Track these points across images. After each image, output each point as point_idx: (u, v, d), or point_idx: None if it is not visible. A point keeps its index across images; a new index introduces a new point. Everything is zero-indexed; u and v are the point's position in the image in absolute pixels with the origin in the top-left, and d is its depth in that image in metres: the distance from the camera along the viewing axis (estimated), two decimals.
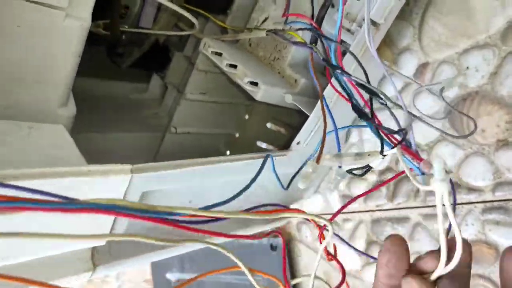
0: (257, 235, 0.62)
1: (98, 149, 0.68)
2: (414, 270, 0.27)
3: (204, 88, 0.69)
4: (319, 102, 0.52)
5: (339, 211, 0.42)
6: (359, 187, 0.73)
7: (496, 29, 0.58)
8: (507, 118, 0.57)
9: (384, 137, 0.41)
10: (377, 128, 0.40)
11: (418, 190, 0.65)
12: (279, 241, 0.85)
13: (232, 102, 0.76)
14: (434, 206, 0.47)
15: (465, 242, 0.25)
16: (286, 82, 0.60)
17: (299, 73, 0.59)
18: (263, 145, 0.69)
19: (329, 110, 0.44)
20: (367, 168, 0.43)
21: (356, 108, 0.43)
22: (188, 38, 0.78)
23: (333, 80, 0.48)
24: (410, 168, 0.39)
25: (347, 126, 0.67)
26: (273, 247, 0.86)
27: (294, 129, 0.73)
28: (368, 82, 0.44)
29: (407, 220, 0.67)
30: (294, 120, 0.74)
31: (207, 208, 0.30)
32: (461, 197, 0.61)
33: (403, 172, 0.38)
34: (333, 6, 0.55)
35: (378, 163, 0.41)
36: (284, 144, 0.63)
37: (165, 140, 0.71)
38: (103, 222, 0.39)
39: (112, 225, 0.40)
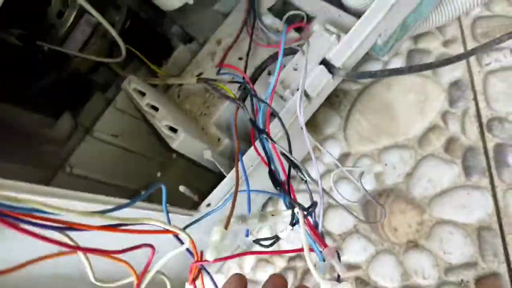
0: None
1: None
2: None
3: (117, 130, 0.62)
4: (245, 156, 0.48)
5: None
6: (266, 271, 0.66)
7: (414, 133, 0.61)
8: (418, 219, 0.57)
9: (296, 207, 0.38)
10: (288, 198, 0.37)
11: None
12: None
13: (146, 155, 0.68)
14: None
15: None
16: (209, 139, 0.55)
17: (224, 133, 0.55)
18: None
19: (243, 168, 0.40)
20: (275, 239, 0.39)
21: (271, 174, 0.40)
22: (113, 81, 0.72)
23: (257, 143, 0.45)
24: (310, 248, 0.35)
25: (259, 191, 0.63)
26: None
27: (206, 196, 0.67)
28: (291, 153, 0.41)
29: None
30: (209, 188, 0.68)
31: None
32: None
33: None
34: (269, 73, 0.54)
35: (286, 235, 0.37)
36: (191, 207, 0.56)
37: (55, 180, 0.60)
38: None
39: None
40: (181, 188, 0.69)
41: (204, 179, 0.68)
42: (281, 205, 0.68)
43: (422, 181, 0.58)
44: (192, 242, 0.34)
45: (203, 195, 0.66)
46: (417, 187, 0.58)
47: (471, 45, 0.60)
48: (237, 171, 0.42)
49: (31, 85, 0.68)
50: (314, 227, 0.39)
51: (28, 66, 0.66)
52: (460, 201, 0.55)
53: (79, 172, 0.61)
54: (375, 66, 0.66)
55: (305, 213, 0.35)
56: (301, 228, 0.32)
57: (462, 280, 0.53)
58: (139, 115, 0.63)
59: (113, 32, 0.50)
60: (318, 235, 0.39)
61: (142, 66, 0.71)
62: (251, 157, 0.47)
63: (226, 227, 0.36)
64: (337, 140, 0.66)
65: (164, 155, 0.73)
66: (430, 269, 0.54)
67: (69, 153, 0.63)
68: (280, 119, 0.44)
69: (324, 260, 0.38)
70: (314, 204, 0.35)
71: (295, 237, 0.64)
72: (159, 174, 0.72)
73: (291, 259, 0.65)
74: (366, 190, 0.51)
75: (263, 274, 0.66)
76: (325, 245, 0.39)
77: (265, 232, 0.67)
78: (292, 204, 0.36)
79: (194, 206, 0.58)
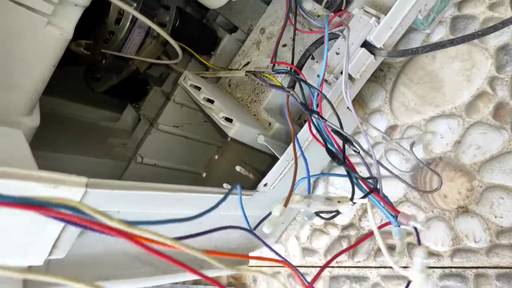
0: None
1: (60, 168, 0.65)
2: None
3: (178, 121, 0.69)
4: (290, 146, 0.53)
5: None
6: (320, 240, 0.71)
7: (461, 102, 0.61)
8: (468, 185, 0.59)
9: (360, 183, 0.41)
10: (349, 173, 0.40)
11: (378, 249, 0.65)
12: None
13: (204, 141, 0.75)
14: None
15: None
16: (260, 124, 0.60)
17: (274, 117, 0.60)
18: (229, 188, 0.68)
19: (302, 152, 0.44)
20: (335, 213, 0.43)
21: (330, 151, 0.43)
22: (168, 75, 0.79)
23: (308, 123, 0.49)
24: (386, 223, 0.39)
25: (318, 175, 0.67)
26: None
27: (263, 175, 0.73)
28: (342, 129, 0.45)
29: (366, 279, 0.65)
30: (263, 167, 0.74)
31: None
32: None
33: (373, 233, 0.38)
34: (312, 58, 0.57)
35: (348, 209, 0.40)
36: (251, 186, 0.62)
37: (129, 169, 0.68)
38: (43, 240, 0.35)
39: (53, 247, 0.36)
40: (238, 168, 0.76)
41: (259, 159, 0.74)
42: (321, 188, 0.72)
43: (471, 149, 0.59)
44: None
45: (260, 173, 0.72)
46: (466, 155, 0.60)
47: None
48: (295, 151, 0.46)
49: (98, 86, 0.76)
50: (383, 198, 0.42)
51: (95, 70, 0.73)
52: (510, 165, 0.56)
53: (149, 161, 0.69)
54: (418, 37, 0.66)
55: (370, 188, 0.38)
56: (369, 214, 0.35)
57: None
58: (195, 106, 0.69)
59: (166, 36, 0.55)
60: (388, 203, 0.42)
61: (192, 57, 0.77)
62: (302, 137, 0.52)
63: (285, 205, 0.41)
64: (383, 113, 0.68)
65: (220, 139, 0.79)
66: (481, 232, 0.57)
67: (138, 144, 0.71)
68: (329, 101, 0.47)
69: (399, 226, 0.41)
70: (373, 178, 0.38)
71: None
72: (216, 157, 0.79)
73: (344, 228, 0.69)
74: (419, 159, 0.53)
75: (318, 243, 0.72)
76: (397, 211, 0.42)
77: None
78: (353, 177, 0.39)
79: (253, 184, 0.64)
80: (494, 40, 0.60)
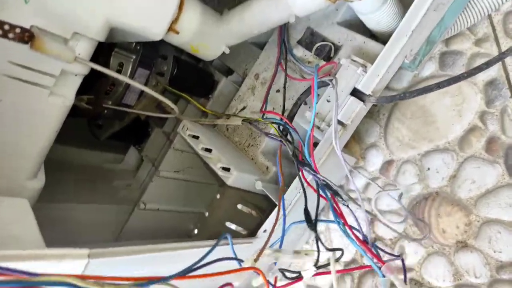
0: None
1: (67, 218, 0.67)
2: None
3: (179, 166, 0.71)
4: (287, 192, 0.54)
5: None
6: (323, 276, 0.72)
7: (454, 136, 0.63)
8: (466, 220, 0.60)
9: (348, 231, 0.43)
10: (318, 239, 0.42)
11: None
12: None
13: (205, 182, 0.76)
14: None
15: None
16: (258, 168, 0.62)
17: (271, 160, 0.61)
18: (232, 226, 0.69)
19: (284, 210, 0.46)
20: (297, 275, 0.44)
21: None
22: (168, 117, 0.81)
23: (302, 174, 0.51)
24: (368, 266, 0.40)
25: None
26: None
27: (265, 212, 0.74)
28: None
29: None
30: (265, 204, 0.75)
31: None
32: None
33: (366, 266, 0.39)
34: (305, 103, 0.59)
35: (310, 275, 0.42)
36: (253, 228, 0.63)
37: (133, 215, 0.70)
38: None
39: None
40: (239, 206, 0.77)
41: (261, 196, 0.75)
42: (322, 224, 0.73)
43: (466, 183, 0.60)
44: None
45: (261, 211, 0.73)
46: (462, 189, 0.61)
47: (504, 41, 0.61)
48: (278, 209, 0.48)
49: (101, 133, 0.79)
50: (364, 243, 0.44)
51: (97, 120, 0.76)
52: (506, 200, 0.57)
53: (152, 206, 0.71)
54: (408, 73, 0.68)
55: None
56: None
57: None
58: (194, 150, 0.71)
59: (157, 95, 0.57)
60: (372, 252, 0.44)
61: (188, 103, 0.79)
62: (297, 186, 0.53)
63: (256, 259, 0.42)
64: (379, 148, 0.70)
65: (220, 179, 0.80)
66: (481, 267, 0.57)
67: (141, 186, 0.73)
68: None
69: (384, 276, 0.43)
70: (340, 250, 0.40)
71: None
72: (218, 197, 0.80)
73: (346, 264, 0.70)
74: (406, 210, 0.55)
75: (321, 280, 0.72)
76: (382, 262, 0.43)
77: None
78: (318, 245, 0.41)
79: (255, 223, 0.65)
80: (483, 75, 0.62)
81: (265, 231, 0.56)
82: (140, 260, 0.40)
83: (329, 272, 0.61)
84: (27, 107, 0.44)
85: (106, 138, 0.80)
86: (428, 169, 0.64)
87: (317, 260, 0.39)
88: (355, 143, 0.72)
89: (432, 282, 0.61)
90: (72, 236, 0.63)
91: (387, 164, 0.68)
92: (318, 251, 0.40)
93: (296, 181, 0.53)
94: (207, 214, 0.80)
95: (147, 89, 0.52)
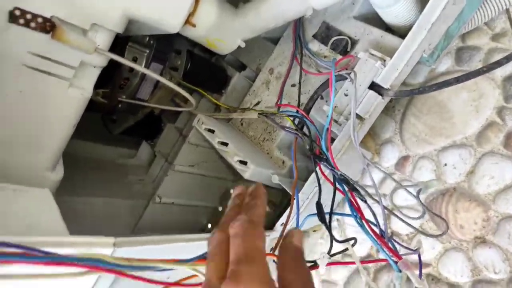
0: None
1: (83, 211, 0.67)
2: None
3: (193, 161, 0.71)
4: (305, 184, 0.54)
5: None
6: (339, 272, 0.72)
7: (471, 132, 0.62)
8: (484, 216, 0.59)
9: (365, 226, 0.43)
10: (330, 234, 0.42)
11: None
12: None
13: (219, 176, 0.76)
14: None
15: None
16: (274, 163, 0.61)
17: (287, 155, 0.61)
18: None
19: (297, 203, 0.46)
20: (313, 264, 0.44)
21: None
22: (181, 112, 0.81)
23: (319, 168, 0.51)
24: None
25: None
26: None
27: (280, 207, 0.74)
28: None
29: None
30: (280, 198, 0.75)
31: None
32: None
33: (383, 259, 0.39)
34: (322, 97, 0.59)
35: (324, 263, 0.41)
36: (269, 223, 0.63)
37: (148, 209, 0.70)
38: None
39: None
40: None
41: (275, 190, 0.75)
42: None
43: (485, 179, 0.60)
44: None
45: (276, 206, 0.73)
46: (479, 185, 0.60)
47: None
48: (292, 202, 0.47)
49: (114, 128, 0.79)
50: (381, 237, 0.44)
51: (112, 113, 0.76)
52: None
53: (167, 200, 0.71)
54: (424, 68, 0.67)
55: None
56: None
57: None
58: (209, 145, 0.71)
59: (173, 86, 0.56)
60: (389, 247, 0.44)
61: (201, 97, 0.79)
62: (312, 182, 0.53)
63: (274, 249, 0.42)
64: (394, 144, 0.69)
65: (235, 173, 0.80)
66: (500, 263, 0.57)
67: (154, 180, 0.73)
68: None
69: (400, 271, 0.43)
70: (354, 239, 0.40)
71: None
72: (232, 191, 0.80)
73: (361, 258, 0.70)
74: (425, 206, 0.54)
75: (337, 275, 0.72)
76: (399, 257, 0.43)
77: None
78: (332, 234, 0.41)
79: (269, 218, 0.65)
80: (501, 71, 0.61)
81: (282, 224, 0.55)
82: (163, 249, 0.40)
83: (345, 263, 0.60)
84: (47, 98, 0.44)
85: (120, 133, 0.81)
86: (445, 164, 0.63)
87: (331, 247, 0.39)
88: (370, 139, 0.72)
89: (450, 278, 0.60)
90: (88, 229, 0.63)
91: (403, 159, 0.68)
92: (331, 239, 0.39)
93: (313, 175, 0.53)
94: (220, 208, 0.81)
95: (163, 79, 0.52)
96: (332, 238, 0.40)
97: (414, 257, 0.63)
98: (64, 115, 0.46)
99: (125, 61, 0.46)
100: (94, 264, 0.22)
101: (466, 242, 0.60)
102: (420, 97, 0.67)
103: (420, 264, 0.59)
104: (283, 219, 0.56)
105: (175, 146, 0.76)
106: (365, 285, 0.68)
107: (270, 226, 0.58)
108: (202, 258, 0.31)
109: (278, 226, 0.56)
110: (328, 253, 0.40)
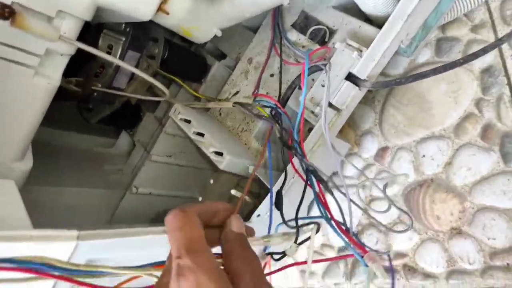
0: None
1: (55, 202, 0.66)
2: None
3: (171, 151, 0.69)
4: (280, 177, 0.54)
5: None
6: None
7: (450, 123, 0.62)
8: (460, 207, 0.59)
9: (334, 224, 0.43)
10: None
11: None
12: None
13: (198, 167, 0.76)
14: None
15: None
16: (251, 153, 0.61)
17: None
18: None
19: (272, 195, 0.45)
20: (282, 255, 0.44)
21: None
22: (160, 101, 0.79)
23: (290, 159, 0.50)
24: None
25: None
26: None
27: (259, 197, 0.73)
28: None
29: None
30: (259, 189, 0.74)
31: None
32: (417, 282, 0.62)
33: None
34: (299, 88, 0.58)
35: (293, 252, 0.41)
36: (247, 213, 0.62)
37: (125, 199, 0.69)
38: None
39: None
40: (233, 192, 0.76)
41: (254, 182, 0.74)
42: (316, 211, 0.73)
43: (462, 170, 0.60)
44: None
45: (255, 196, 0.72)
46: (457, 176, 0.60)
47: (500, 28, 0.60)
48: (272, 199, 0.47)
49: (91, 116, 0.77)
50: (347, 232, 0.44)
51: (87, 103, 0.74)
52: (501, 187, 0.57)
53: (143, 191, 0.70)
54: (404, 59, 0.67)
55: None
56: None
57: (507, 264, 0.55)
58: (186, 135, 0.69)
59: (148, 77, 0.55)
60: (354, 241, 0.44)
61: (180, 88, 0.78)
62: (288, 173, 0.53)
63: None
64: (374, 135, 0.69)
65: (213, 163, 0.80)
66: (475, 254, 0.57)
67: (133, 171, 0.72)
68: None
69: (367, 265, 0.43)
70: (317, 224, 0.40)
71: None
72: (211, 182, 0.79)
73: (340, 250, 0.70)
74: (391, 200, 0.54)
75: (315, 265, 0.72)
76: (365, 251, 0.44)
77: None
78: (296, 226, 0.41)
79: (248, 209, 0.64)
80: (479, 62, 0.61)
81: (258, 215, 0.55)
82: (131, 242, 0.39)
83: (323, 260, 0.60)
84: (11, 87, 0.42)
85: (98, 122, 0.79)
86: (423, 156, 0.63)
87: (297, 237, 0.39)
88: (350, 129, 0.71)
89: (426, 268, 0.61)
90: (61, 220, 0.62)
91: (382, 150, 0.67)
92: (297, 228, 0.39)
93: (289, 166, 0.52)
94: (200, 199, 0.80)
95: (136, 71, 0.51)
96: (297, 225, 0.40)
97: (394, 245, 0.63)
98: (30, 105, 0.45)
99: (92, 50, 0.45)
100: (37, 268, 0.21)
101: (442, 233, 0.60)
102: (400, 88, 0.67)
103: (390, 260, 0.59)
104: (259, 210, 0.56)
105: (154, 136, 0.75)
106: (342, 276, 0.68)
107: (247, 218, 0.58)
108: (160, 264, 0.30)
109: (254, 218, 0.56)
110: (295, 242, 0.40)
